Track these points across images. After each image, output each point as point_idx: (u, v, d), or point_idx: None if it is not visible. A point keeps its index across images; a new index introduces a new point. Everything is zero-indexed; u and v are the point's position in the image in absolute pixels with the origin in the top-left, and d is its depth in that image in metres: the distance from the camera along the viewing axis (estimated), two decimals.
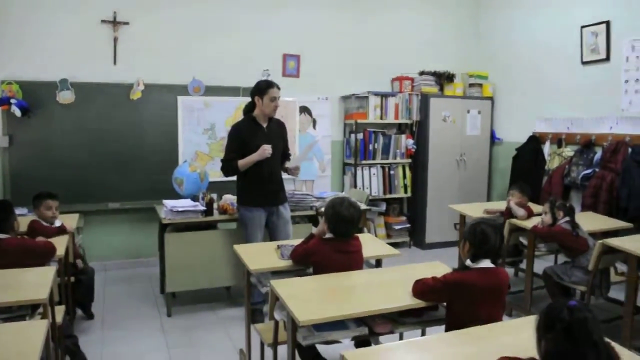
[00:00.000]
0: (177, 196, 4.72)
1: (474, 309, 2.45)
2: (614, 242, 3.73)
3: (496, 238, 2.53)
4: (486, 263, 2.52)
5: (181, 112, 5.62)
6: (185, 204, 4.41)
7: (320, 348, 3.10)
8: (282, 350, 2.81)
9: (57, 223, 4.11)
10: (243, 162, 4.13)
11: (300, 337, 2.49)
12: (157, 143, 5.60)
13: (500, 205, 5.04)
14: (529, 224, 4.45)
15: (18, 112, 5.04)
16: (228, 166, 4.21)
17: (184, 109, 5.63)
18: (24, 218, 4.29)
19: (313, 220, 4.73)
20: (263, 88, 4.15)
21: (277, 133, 4.31)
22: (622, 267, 3.94)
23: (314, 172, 6.41)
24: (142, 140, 5.57)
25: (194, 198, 4.59)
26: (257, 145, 4.11)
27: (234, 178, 4.32)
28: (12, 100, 5.04)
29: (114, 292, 5.03)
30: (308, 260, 3.05)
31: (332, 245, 3.00)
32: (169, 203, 4.39)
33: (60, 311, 3.30)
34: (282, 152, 4.38)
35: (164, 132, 5.61)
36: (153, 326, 4.27)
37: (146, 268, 5.74)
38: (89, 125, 5.38)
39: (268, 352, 3.08)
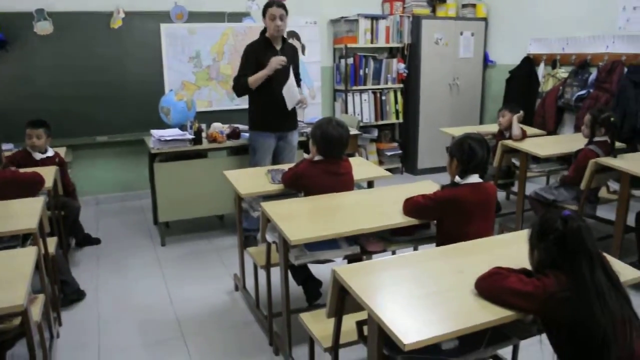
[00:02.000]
0: (165, 127, 4.62)
1: (464, 224, 2.45)
2: (607, 160, 3.71)
3: (483, 152, 2.49)
4: (474, 178, 2.50)
5: (165, 41, 5.42)
6: (173, 133, 4.33)
7: (313, 270, 3.12)
8: (276, 272, 2.83)
9: (49, 153, 4.06)
10: (253, 78, 4.01)
11: (292, 257, 2.49)
12: (141, 73, 5.44)
13: (494, 128, 4.99)
14: (522, 145, 4.42)
15: None
16: (239, 83, 4.10)
17: (167, 37, 5.43)
18: (8, 153, 4.23)
19: (304, 146, 4.67)
20: (265, 7, 4.03)
21: (289, 58, 4.14)
22: (614, 185, 3.94)
23: None
24: (126, 70, 5.40)
25: (182, 127, 4.51)
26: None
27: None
28: None
29: (107, 225, 5.02)
30: (298, 183, 3.01)
31: (322, 168, 2.95)
32: (156, 133, 4.31)
33: (52, 242, 3.28)
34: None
35: (148, 61, 5.44)
36: (148, 256, 4.29)
37: (139, 200, 5.72)
38: (70, 56, 5.19)
39: (262, 275, 3.10)
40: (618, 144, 4.45)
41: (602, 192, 4.13)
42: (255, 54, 4.07)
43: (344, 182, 3.01)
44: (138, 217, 5.25)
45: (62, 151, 4.40)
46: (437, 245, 2.52)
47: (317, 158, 2.99)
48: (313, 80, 6.33)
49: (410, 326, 1.61)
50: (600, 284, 1.62)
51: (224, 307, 3.46)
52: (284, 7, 4.01)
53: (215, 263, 4.13)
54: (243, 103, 5.09)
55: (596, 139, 3.93)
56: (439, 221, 2.59)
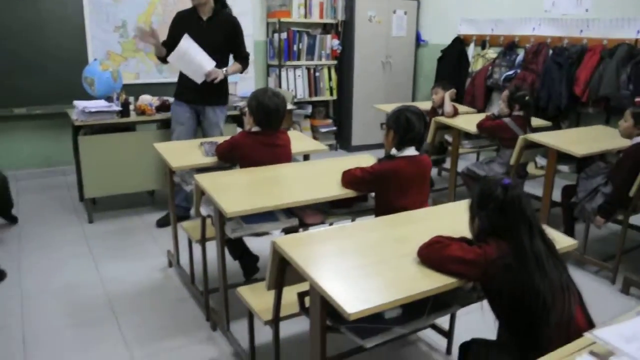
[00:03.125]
0: (89, 98, 4.36)
1: (401, 196, 2.46)
2: (536, 137, 3.83)
3: (420, 125, 2.50)
4: (411, 151, 2.50)
5: (88, 8, 5.10)
6: (98, 104, 4.09)
7: (249, 245, 3.06)
8: (211, 247, 2.75)
9: None
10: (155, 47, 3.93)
11: (228, 230, 2.41)
12: (62, 42, 5.09)
13: (426, 106, 5.05)
14: (455, 121, 4.51)
15: None
16: None
17: (90, 3, 5.10)
18: None
19: (238, 120, 4.56)
20: None
21: (219, 30, 3.93)
22: (541, 161, 4.09)
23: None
24: (45, 38, 5.03)
25: (108, 99, 4.28)
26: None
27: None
28: None
29: (29, 202, 4.71)
30: (233, 154, 2.92)
31: (259, 139, 2.88)
32: (80, 104, 4.05)
33: None
34: (231, 52, 4.09)
35: (69, 29, 5.10)
36: (74, 233, 4.07)
37: (63, 176, 5.40)
38: None
39: (197, 250, 3.00)
40: (543, 122, 4.63)
41: (530, 168, 4.29)
42: (179, 22, 3.95)
43: (281, 154, 2.94)
44: (62, 194, 4.96)
45: None
46: (376, 217, 2.52)
47: (254, 129, 2.90)
48: None
49: (354, 296, 1.59)
50: (539, 251, 1.66)
51: (158, 284, 3.34)
52: None
53: (146, 240, 3.97)
54: (172, 76, 4.90)
55: (513, 113, 4.14)
56: (377, 194, 2.59)
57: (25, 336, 2.78)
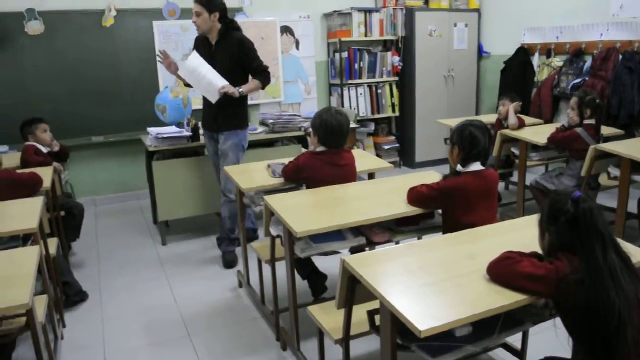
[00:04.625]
0: (161, 125, 4.57)
1: (469, 212, 2.44)
2: (607, 146, 3.70)
3: (485, 139, 2.48)
4: (476, 166, 2.49)
5: (158, 38, 5.39)
6: (170, 130, 4.29)
7: (318, 263, 3.10)
8: (280, 267, 2.80)
9: (55, 147, 4.07)
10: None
11: (298, 249, 2.46)
12: (135, 71, 5.40)
13: (491, 118, 4.98)
14: (521, 133, 4.42)
15: None
16: None
17: (160, 34, 5.40)
18: (4, 155, 4.22)
19: (302, 141, 4.65)
20: None
21: (226, 51, 3.81)
22: (614, 171, 3.93)
23: (300, 94, 6.27)
24: (119, 69, 5.36)
25: (179, 125, 4.47)
26: None
27: None
28: None
29: (106, 226, 4.98)
30: (300, 176, 2.98)
31: (324, 159, 2.92)
32: (153, 130, 4.26)
33: (52, 243, 3.25)
34: (244, 70, 3.88)
35: (141, 59, 5.40)
36: (149, 256, 4.26)
37: (137, 201, 5.68)
38: (63, 56, 5.15)
39: (266, 270, 3.07)
40: (615, 131, 4.46)
41: (602, 179, 4.13)
42: (197, 46, 3.93)
43: (346, 173, 2.98)
44: (137, 218, 5.21)
45: None
46: (444, 233, 2.50)
47: (319, 149, 2.96)
48: (308, 76, 6.31)
49: (425, 313, 1.60)
50: (613, 265, 1.61)
51: (229, 304, 3.43)
52: (199, 1, 3.69)
53: (217, 260, 4.09)
54: None
55: (584, 122, 3.98)
56: (444, 210, 2.57)
57: (106, 356, 2.92)
